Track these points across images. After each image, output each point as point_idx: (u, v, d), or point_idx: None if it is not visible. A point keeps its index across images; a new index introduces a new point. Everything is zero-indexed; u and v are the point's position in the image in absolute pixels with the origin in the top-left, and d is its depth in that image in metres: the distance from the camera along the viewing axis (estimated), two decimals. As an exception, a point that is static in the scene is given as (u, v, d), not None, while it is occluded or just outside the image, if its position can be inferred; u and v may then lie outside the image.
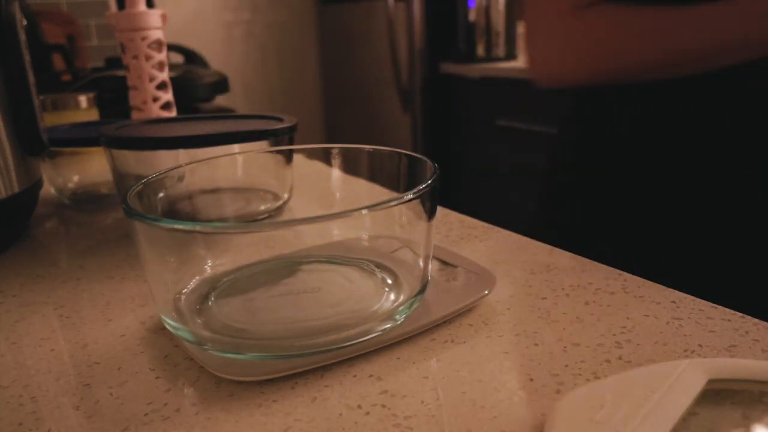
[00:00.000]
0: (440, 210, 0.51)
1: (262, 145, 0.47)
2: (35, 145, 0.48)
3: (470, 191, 2.16)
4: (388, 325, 0.29)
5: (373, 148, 0.37)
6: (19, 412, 0.26)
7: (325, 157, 0.39)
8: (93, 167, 0.60)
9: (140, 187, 0.32)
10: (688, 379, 0.23)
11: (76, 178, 0.60)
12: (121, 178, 0.49)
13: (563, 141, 0.64)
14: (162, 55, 0.64)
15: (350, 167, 0.39)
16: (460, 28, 2.07)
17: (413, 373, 0.28)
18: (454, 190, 2.23)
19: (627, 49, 0.51)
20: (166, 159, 0.46)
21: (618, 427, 0.20)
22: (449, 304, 0.32)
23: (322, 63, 2.68)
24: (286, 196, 0.51)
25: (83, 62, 1.64)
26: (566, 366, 0.28)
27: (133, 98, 0.65)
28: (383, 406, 0.25)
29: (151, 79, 0.64)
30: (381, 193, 0.35)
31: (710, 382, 0.23)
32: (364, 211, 0.26)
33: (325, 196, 0.42)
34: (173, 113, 0.67)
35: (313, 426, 0.24)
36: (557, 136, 0.65)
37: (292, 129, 0.49)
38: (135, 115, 0.66)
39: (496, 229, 0.46)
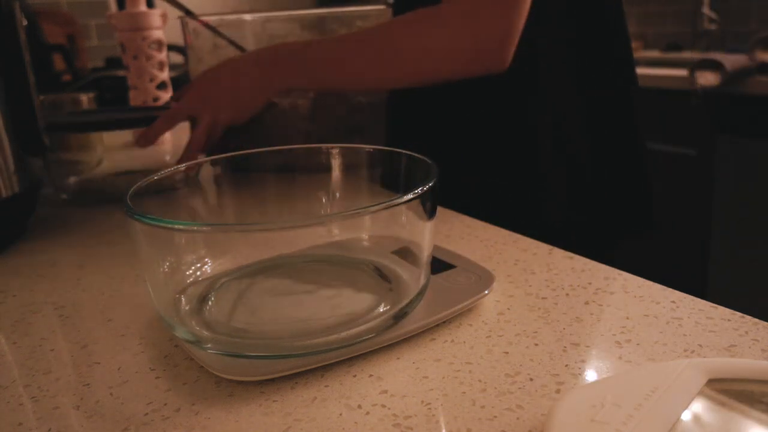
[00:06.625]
0: (440, 210, 0.51)
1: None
2: (35, 145, 0.48)
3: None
4: (388, 325, 0.29)
5: (373, 148, 0.37)
6: (19, 412, 0.26)
7: (325, 157, 0.39)
8: (93, 167, 0.60)
9: (141, 186, 0.32)
10: (688, 379, 0.23)
11: (76, 178, 0.60)
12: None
13: None
14: (162, 55, 0.64)
15: (350, 167, 0.39)
16: (460, 28, 2.07)
17: (413, 373, 0.28)
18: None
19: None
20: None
21: (618, 427, 0.20)
22: (449, 304, 0.32)
23: (322, 63, 2.67)
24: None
25: (83, 62, 1.64)
26: (566, 366, 0.28)
27: (133, 98, 0.65)
28: (383, 406, 0.25)
29: (151, 79, 0.64)
30: (381, 193, 0.35)
31: (710, 382, 0.23)
32: (364, 211, 0.26)
33: (326, 196, 0.42)
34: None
35: (313, 426, 0.24)
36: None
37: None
38: (135, 115, 0.66)
39: (496, 229, 0.46)
